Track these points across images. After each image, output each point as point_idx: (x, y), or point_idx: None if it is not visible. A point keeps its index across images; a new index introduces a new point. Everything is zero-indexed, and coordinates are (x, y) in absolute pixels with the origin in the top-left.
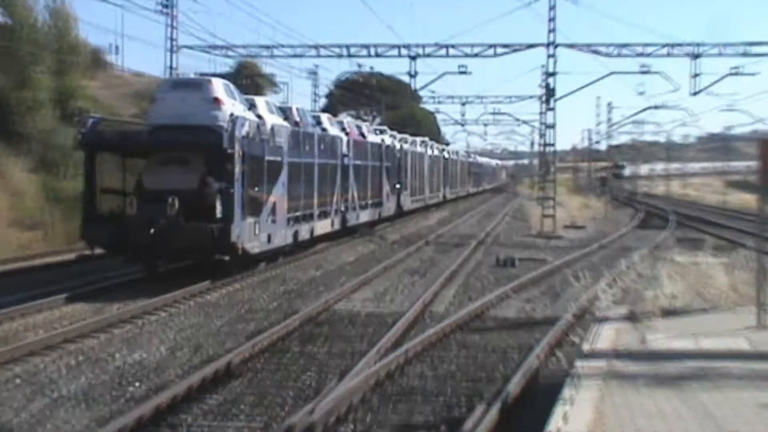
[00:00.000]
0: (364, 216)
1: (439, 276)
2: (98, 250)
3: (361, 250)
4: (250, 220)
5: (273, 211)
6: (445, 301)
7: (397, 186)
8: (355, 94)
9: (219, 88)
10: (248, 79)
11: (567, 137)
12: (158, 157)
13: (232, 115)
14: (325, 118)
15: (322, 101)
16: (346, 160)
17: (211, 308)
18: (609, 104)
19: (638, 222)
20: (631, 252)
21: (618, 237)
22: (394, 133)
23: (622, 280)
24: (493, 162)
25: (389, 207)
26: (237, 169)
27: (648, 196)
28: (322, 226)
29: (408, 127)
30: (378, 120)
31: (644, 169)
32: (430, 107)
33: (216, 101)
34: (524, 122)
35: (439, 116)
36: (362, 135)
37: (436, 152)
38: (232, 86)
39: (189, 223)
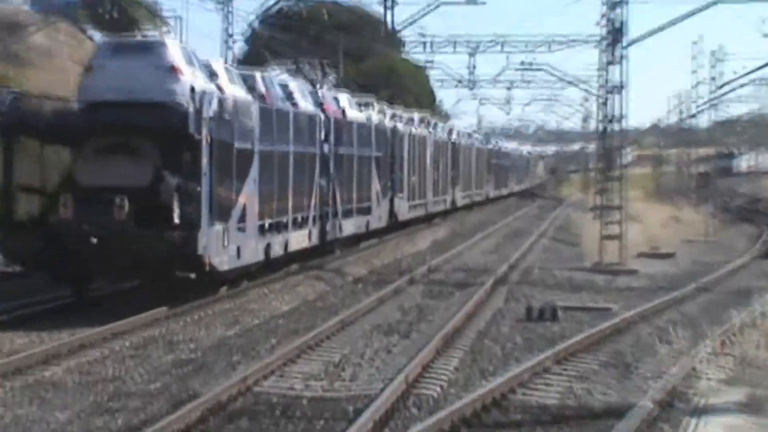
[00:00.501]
0: (348, 226)
1: (433, 336)
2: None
3: (304, 293)
4: (219, 227)
5: (242, 216)
6: (442, 378)
7: (390, 185)
8: (294, 35)
9: (176, 52)
10: (114, 8)
11: (645, 109)
12: (97, 144)
13: (193, 88)
14: (295, 87)
15: (239, 47)
16: (326, 148)
17: (51, 390)
18: (714, 53)
19: (763, 248)
20: (751, 298)
21: (729, 272)
22: (383, 106)
23: (736, 344)
24: (524, 149)
25: (379, 215)
26: (204, 160)
27: None
28: (298, 239)
29: (380, 90)
30: (332, 78)
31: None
32: (418, 57)
33: (173, 70)
34: (573, 83)
35: (432, 73)
36: (342, 111)
37: (442, 135)
38: (189, 49)
39: (143, 230)
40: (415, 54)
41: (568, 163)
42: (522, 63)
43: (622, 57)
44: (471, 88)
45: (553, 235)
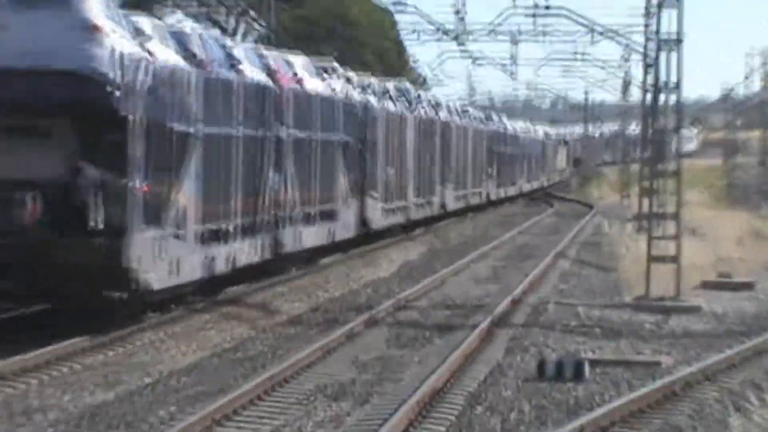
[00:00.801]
0: (309, 237)
1: (402, 402)
2: None
3: (217, 338)
4: (152, 233)
5: (181, 220)
6: None
7: (361, 182)
8: None
9: (96, 5)
10: None
11: (713, 72)
12: None
13: (121, 54)
14: (239, 49)
15: None
16: (281, 132)
17: None
18: None
19: None
20: None
21: None
22: (349, 73)
23: None
24: (539, 131)
25: (347, 222)
26: (135, 147)
27: None
28: (247, 252)
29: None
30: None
31: None
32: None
33: (93, 30)
34: (607, 34)
35: (403, 20)
36: (299, 80)
37: (428, 112)
38: (111, 2)
39: (54, 236)
40: None
41: (600, 151)
42: (534, 5)
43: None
44: (459, 42)
45: (577, 256)
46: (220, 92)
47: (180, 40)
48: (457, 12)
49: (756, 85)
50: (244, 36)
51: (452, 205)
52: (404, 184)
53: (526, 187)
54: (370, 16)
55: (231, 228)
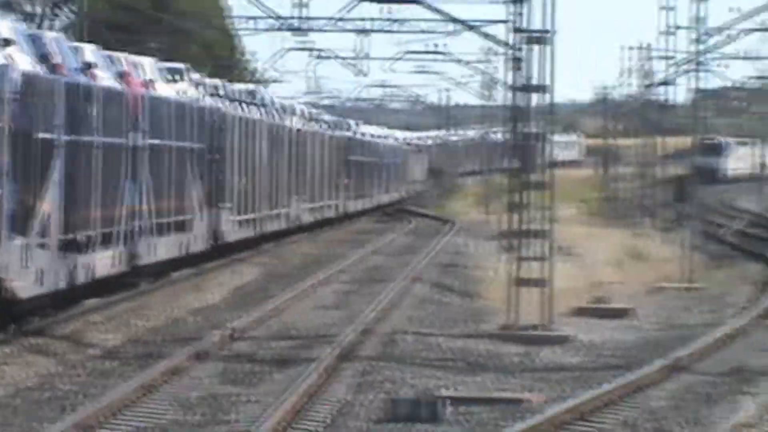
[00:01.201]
0: (163, 248)
1: None
2: None
3: (15, 376)
4: (19, 241)
5: (45, 228)
6: None
7: (213, 192)
8: None
9: None
10: None
11: (585, 72)
12: None
13: None
14: (90, 52)
15: None
16: (136, 139)
17: None
18: None
19: None
20: (755, 382)
21: (718, 341)
22: (200, 77)
23: None
24: (396, 137)
25: (200, 234)
26: (2, 156)
27: None
28: (103, 263)
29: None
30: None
31: None
32: None
33: None
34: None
35: (236, 7)
36: (148, 84)
37: (281, 118)
38: None
39: None
40: None
41: (461, 159)
42: None
43: None
44: (300, 33)
45: (435, 280)
46: (80, 99)
47: (36, 45)
48: (299, 1)
49: (633, 86)
50: (51, 25)
51: (306, 218)
52: (257, 195)
53: (384, 199)
54: (198, 5)
55: (90, 238)
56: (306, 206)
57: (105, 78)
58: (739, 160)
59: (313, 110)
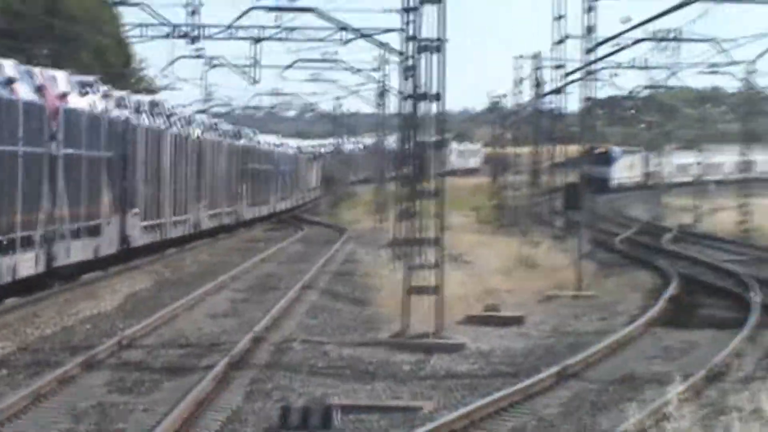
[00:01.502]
0: (77, 251)
1: None
2: None
3: None
4: None
5: None
6: None
7: (122, 198)
8: None
9: None
10: None
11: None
12: None
13: None
14: (10, 67)
15: None
16: (54, 148)
17: None
18: None
19: (664, 307)
20: (642, 389)
21: (609, 349)
22: (109, 90)
23: None
24: (291, 145)
25: (110, 238)
26: None
27: (689, 233)
28: (26, 265)
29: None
30: None
31: (675, 162)
32: None
33: None
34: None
35: (128, 14)
36: (63, 96)
37: (184, 128)
38: None
39: None
40: None
41: (354, 167)
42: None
43: None
44: (193, 40)
45: (327, 288)
46: (4, 112)
47: None
48: (188, 7)
49: (526, 95)
50: None
51: (206, 224)
52: (162, 201)
53: (282, 206)
54: (89, 10)
55: (13, 240)
56: (207, 213)
57: (25, 92)
58: (627, 169)
59: (214, 120)
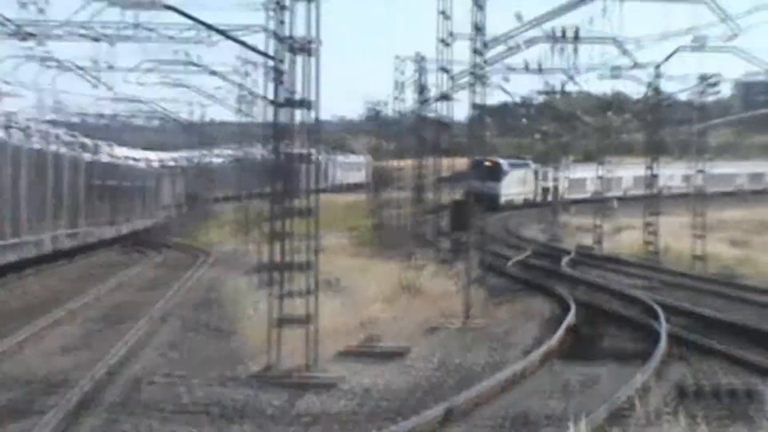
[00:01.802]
0: None
1: None
2: None
3: None
4: None
5: None
6: None
7: None
8: None
9: None
10: None
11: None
12: None
13: None
14: None
15: None
16: None
17: None
18: None
19: (562, 338)
20: (537, 430)
21: (502, 385)
22: None
23: None
24: (149, 159)
25: None
26: None
27: (589, 255)
28: None
29: None
30: None
31: (572, 176)
32: None
33: None
34: (222, 33)
35: None
36: None
37: (25, 141)
38: None
39: None
40: None
41: (216, 182)
42: None
43: None
44: (25, 38)
45: (187, 316)
46: None
47: None
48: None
49: (408, 101)
50: None
51: (47, 247)
52: None
53: (134, 226)
54: None
55: None
56: (50, 234)
57: None
58: (517, 184)
59: (59, 130)
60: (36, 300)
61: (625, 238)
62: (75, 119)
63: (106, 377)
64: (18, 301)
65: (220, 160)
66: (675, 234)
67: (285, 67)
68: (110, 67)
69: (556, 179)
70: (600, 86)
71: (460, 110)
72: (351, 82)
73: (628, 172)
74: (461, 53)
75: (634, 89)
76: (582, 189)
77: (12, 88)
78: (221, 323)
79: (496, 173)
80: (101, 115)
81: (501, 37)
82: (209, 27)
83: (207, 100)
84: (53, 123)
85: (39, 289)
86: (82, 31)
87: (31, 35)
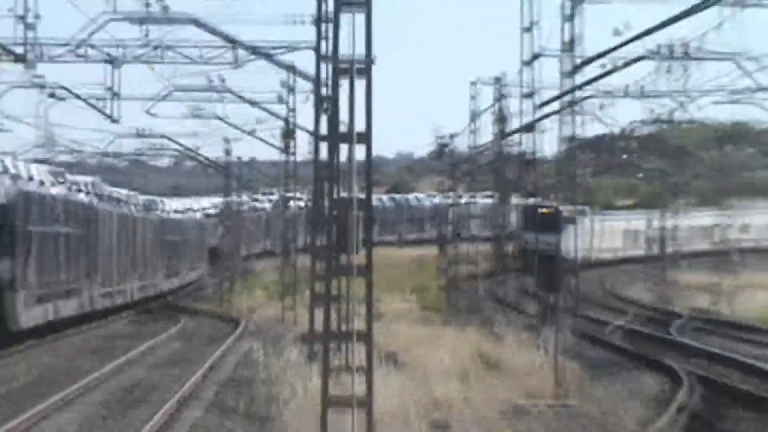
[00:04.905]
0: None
1: None
2: None
3: None
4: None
5: None
6: None
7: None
8: None
9: None
10: None
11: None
12: None
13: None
14: (37, 171)
15: None
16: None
17: None
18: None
19: (675, 421)
20: None
21: None
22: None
23: None
24: (193, 210)
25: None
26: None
27: (705, 320)
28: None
29: None
30: None
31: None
32: None
33: None
34: (257, 51)
35: None
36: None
37: (123, 208)
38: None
39: None
40: None
41: (250, 235)
42: (146, 4)
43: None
44: (27, 65)
45: (216, 401)
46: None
47: None
48: (24, 20)
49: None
50: None
51: (137, 295)
52: (112, 272)
53: (190, 276)
54: None
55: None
56: (137, 284)
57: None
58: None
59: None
60: (42, 374)
61: (749, 298)
62: (91, 160)
63: None
64: (9, 383)
65: (257, 205)
66: None
67: (333, 92)
68: (115, 95)
69: (662, 227)
70: (717, 113)
71: (547, 143)
72: (419, 114)
73: (755, 218)
74: (549, 76)
75: (758, 117)
76: (702, 239)
77: None
78: (257, 406)
79: (554, 223)
80: (109, 154)
81: (598, 56)
82: (241, 44)
83: (241, 135)
84: (67, 166)
85: (29, 366)
86: (90, 52)
87: (24, 57)
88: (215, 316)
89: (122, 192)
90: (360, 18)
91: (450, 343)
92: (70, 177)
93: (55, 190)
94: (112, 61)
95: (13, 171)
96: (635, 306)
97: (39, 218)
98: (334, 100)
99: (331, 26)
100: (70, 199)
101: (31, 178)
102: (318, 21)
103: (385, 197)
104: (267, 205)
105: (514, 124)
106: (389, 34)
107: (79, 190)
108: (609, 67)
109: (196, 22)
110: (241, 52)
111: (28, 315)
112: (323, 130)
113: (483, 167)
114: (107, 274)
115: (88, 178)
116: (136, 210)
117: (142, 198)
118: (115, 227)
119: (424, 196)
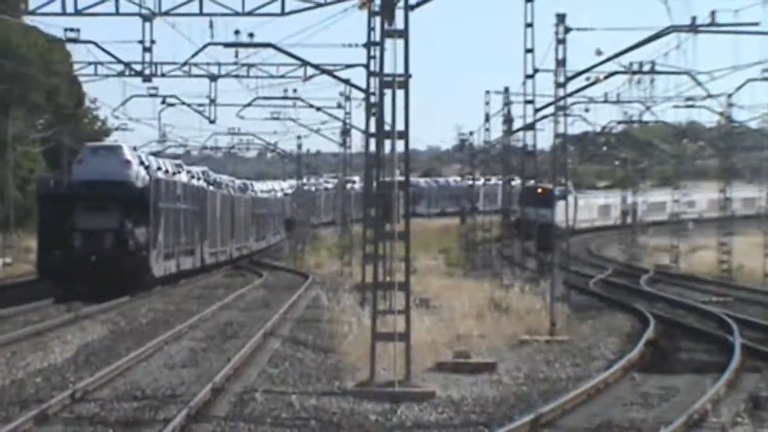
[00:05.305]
0: (185, 263)
1: None
2: None
3: None
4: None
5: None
6: None
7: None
8: None
9: (127, 151)
10: None
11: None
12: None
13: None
14: (171, 165)
15: None
16: (177, 203)
17: None
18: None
19: (642, 352)
20: None
21: (586, 396)
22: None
23: None
24: (275, 190)
25: (198, 256)
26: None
27: (666, 274)
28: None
29: None
30: None
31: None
32: (55, 23)
33: (126, 162)
34: (320, 69)
35: (77, 51)
36: (173, 173)
37: (227, 190)
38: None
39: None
40: (50, 16)
41: (318, 210)
42: (236, 32)
43: (406, 24)
44: (146, 79)
45: (290, 336)
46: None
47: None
48: (144, 43)
49: (496, 131)
50: None
51: (235, 254)
52: (217, 237)
53: (275, 239)
54: (41, 48)
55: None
56: (235, 246)
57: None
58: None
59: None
60: (152, 319)
61: (700, 257)
62: (195, 153)
63: (212, 392)
64: (134, 321)
65: (319, 187)
66: (747, 253)
67: (379, 100)
68: (213, 102)
69: (635, 203)
70: (675, 116)
71: (543, 139)
72: (442, 113)
73: (702, 196)
74: (545, 86)
75: (707, 118)
76: (660, 212)
77: (124, 123)
78: (321, 340)
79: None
80: (208, 147)
81: (582, 72)
82: (309, 64)
83: (308, 133)
84: (163, 154)
85: (148, 311)
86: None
87: (145, 75)
88: (290, 271)
89: (224, 177)
90: (400, 43)
91: (469, 291)
92: (186, 167)
93: (178, 178)
94: (210, 76)
95: (146, 163)
96: (613, 263)
97: (166, 198)
98: (380, 106)
99: (378, 49)
100: (187, 183)
101: (159, 168)
102: (368, 45)
103: (421, 180)
104: (330, 185)
105: (518, 123)
106: (423, 53)
107: (193, 177)
108: (592, 79)
109: (274, 47)
110: (309, 69)
111: (159, 267)
112: (372, 128)
113: (494, 157)
114: (214, 239)
115: (201, 168)
116: (233, 191)
117: (237, 182)
118: (219, 204)
119: (452, 179)
